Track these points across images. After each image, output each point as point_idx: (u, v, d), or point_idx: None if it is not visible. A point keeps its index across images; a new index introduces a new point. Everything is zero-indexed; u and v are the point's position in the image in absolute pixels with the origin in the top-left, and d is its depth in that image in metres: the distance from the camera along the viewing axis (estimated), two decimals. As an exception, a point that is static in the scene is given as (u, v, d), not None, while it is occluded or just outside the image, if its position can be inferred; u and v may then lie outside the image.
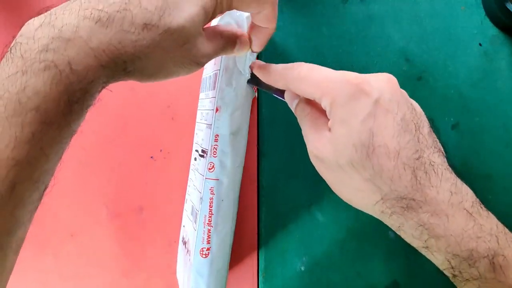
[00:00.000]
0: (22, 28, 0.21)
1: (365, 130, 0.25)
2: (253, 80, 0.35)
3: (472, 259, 0.24)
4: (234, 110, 0.35)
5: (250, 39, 0.31)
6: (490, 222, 0.25)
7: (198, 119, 0.41)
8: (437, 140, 0.27)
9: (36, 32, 0.21)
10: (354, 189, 0.26)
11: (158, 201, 0.44)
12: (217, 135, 0.35)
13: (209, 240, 0.35)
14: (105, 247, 0.44)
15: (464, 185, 0.26)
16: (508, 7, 0.38)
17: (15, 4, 0.46)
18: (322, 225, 0.42)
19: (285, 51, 0.43)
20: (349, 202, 0.28)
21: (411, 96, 0.28)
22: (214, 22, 0.37)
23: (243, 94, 0.36)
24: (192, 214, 0.37)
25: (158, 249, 0.44)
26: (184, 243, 0.39)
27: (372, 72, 0.27)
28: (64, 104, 0.21)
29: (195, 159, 0.39)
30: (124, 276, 0.44)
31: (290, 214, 0.42)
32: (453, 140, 0.41)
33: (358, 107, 0.25)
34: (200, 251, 0.35)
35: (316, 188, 0.42)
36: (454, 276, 0.25)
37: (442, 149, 0.27)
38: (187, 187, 0.42)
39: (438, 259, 0.25)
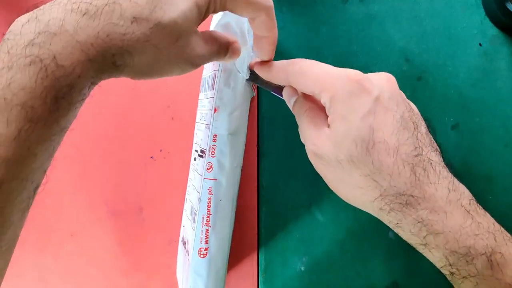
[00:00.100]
0: (11, 25, 0.21)
1: (365, 126, 0.25)
2: (252, 77, 0.35)
3: (470, 256, 0.24)
4: (232, 110, 0.35)
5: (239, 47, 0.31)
6: (487, 220, 0.25)
7: (197, 119, 0.41)
8: (434, 140, 0.28)
9: (23, 27, 0.20)
10: (352, 186, 0.26)
11: (158, 201, 0.44)
12: (215, 135, 0.35)
13: (207, 240, 0.35)
14: (105, 247, 0.44)
15: (461, 184, 0.26)
16: (508, 7, 0.38)
17: (15, 4, 0.46)
18: (322, 225, 0.42)
19: (285, 51, 0.43)
20: (347, 200, 0.28)
21: (411, 96, 0.28)
22: (214, 21, 0.37)
23: (242, 94, 0.36)
24: (191, 214, 0.37)
25: (157, 249, 0.44)
26: (184, 243, 0.39)
27: (372, 72, 0.27)
28: (50, 100, 0.20)
29: (195, 159, 0.39)
30: (124, 276, 0.44)
31: (290, 214, 0.42)
32: (453, 140, 0.41)
33: (359, 104, 0.25)
34: (198, 251, 0.35)
35: (316, 188, 0.42)
36: (452, 273, 0.25)
37: (439, 149, 0.27)
38: (187, 187, 0.42)
39: (436, 256, 0.25)
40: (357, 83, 0.25)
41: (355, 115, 0.25)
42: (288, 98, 0.32)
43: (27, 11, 0.22)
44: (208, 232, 0.35)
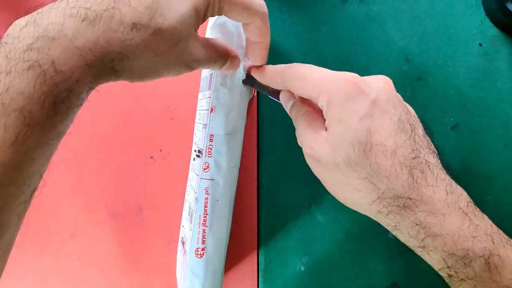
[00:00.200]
0: (9, 28, 0.21)
1: (362, 128, 0.25)
2: (249, 80, 0.35)
3: (468, 258, 0.24)
4: (229, 111, 0.35)
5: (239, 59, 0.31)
6: (484, 222, 0.25)
7: (196, 119, 0.41)
8: (431, 142, 0.27)
9: (21, 31, 0.20)
10: (350, 188, 0.26)
11: (158, 201, 0.45)
12: (212, 135, 0.35)
13: (204, 240, 0.35)
14: (105, 247, 0.45)
15: (458, 186, 0.26)
16: (508, 7, 0.38)
17: (14, 5, 0.46)
18: (322, 225, 0.42)
19: (285, 51, 0.43)
20: (345, 203, 0.28)
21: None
22: (210, 21, 0.37)
23: (239, 95, 0.36)
24: (188, 214, 0.37)
25: (157, 249, 0.44)
26: (183, 243, 0.39)
27: (372, 72, 0.28)
28: (48, 105, 0.20)
29: (194, 159, 0.39)
30: (124, 276, 0.44)
31: (290, 214, 0.42)
32: (453, 140, 0.41)
33: (356, 107, 0.25)
34: (195, 251, 0.35)
35: (316, 188, 0.42)
36: (450, 276, 0.25)
37: (436, 151, 0.27)
38: (186, 187, 0.42)
39: (434, 259, 0.25)
40: (354, 86, 0.25)
41: (352, 118, 0.25)
42: (285, 102, 0.32)
43: (27, 13, 0.21)
44: (205, 232, 0.35)
